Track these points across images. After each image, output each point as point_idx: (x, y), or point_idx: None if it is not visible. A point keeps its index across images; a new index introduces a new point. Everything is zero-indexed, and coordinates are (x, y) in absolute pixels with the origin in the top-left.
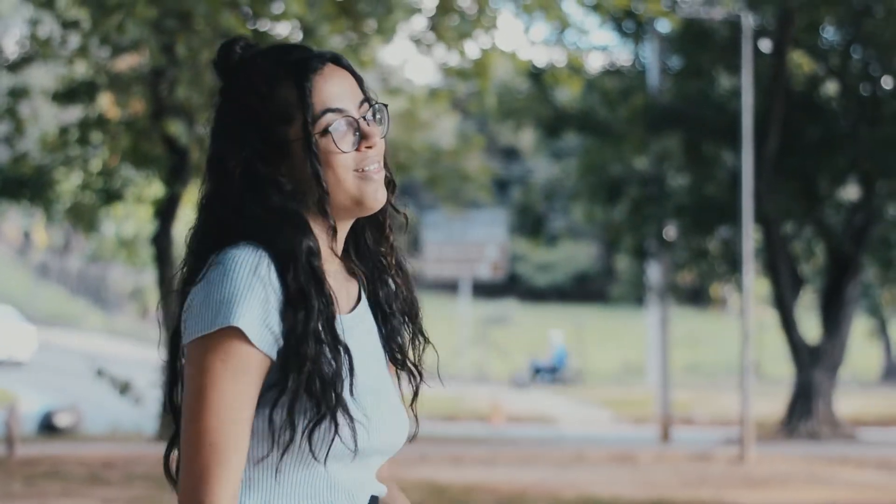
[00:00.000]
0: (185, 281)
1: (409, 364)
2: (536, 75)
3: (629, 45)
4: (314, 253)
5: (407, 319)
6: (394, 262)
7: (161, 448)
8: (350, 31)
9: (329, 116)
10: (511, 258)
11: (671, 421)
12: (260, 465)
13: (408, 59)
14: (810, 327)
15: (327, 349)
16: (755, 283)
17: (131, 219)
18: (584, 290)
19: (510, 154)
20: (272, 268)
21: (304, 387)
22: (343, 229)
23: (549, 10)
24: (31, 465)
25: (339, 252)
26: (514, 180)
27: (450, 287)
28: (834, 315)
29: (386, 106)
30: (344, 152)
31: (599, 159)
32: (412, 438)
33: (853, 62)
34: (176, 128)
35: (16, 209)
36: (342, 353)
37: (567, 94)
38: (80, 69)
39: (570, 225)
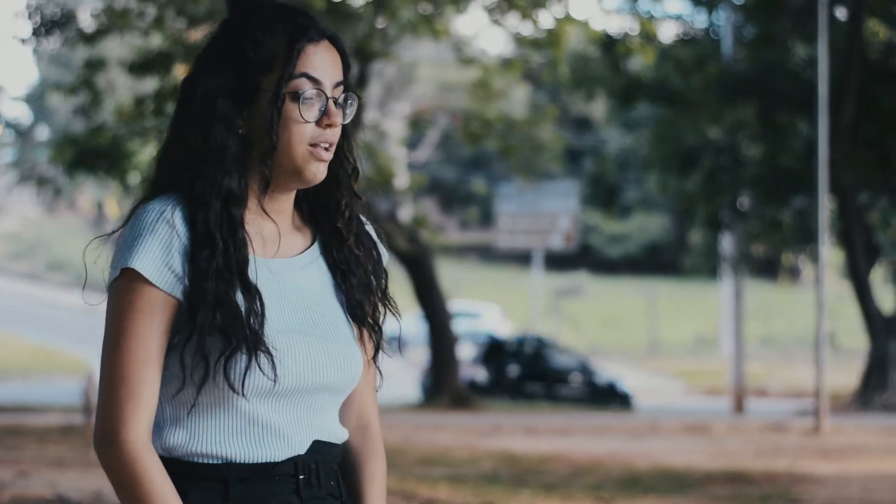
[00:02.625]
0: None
1: (369, 322)
2: (609, 45)
3: (703, 14)
4: (234, 195)
5: (369, 288)
6: (353, 237)
7: None
8: (424, 1)
9: (303, 81)
10: (583, 229)
11: (745, 392)
12: (181, 403)
13: (480, 29)
14: (885, 298)
15: (236, 288)
16: (830, 253)
17: None
18: (656, 261)
19: (582, 124)
20: (178, 212)
21: (211, 321)
22: (284, 191)
23: None
24: None
25: (287, 208)
26: (585, 151)
27: (522, 258)
28: None
29: (359, 99)
30: (305, 122)
31: (673, 129)
32: (378, 389)
33: None
34: None
35: (91, 181)
36: (252, 293)
37: (640, 63)
38: (156, 41)
39: (642, 196)
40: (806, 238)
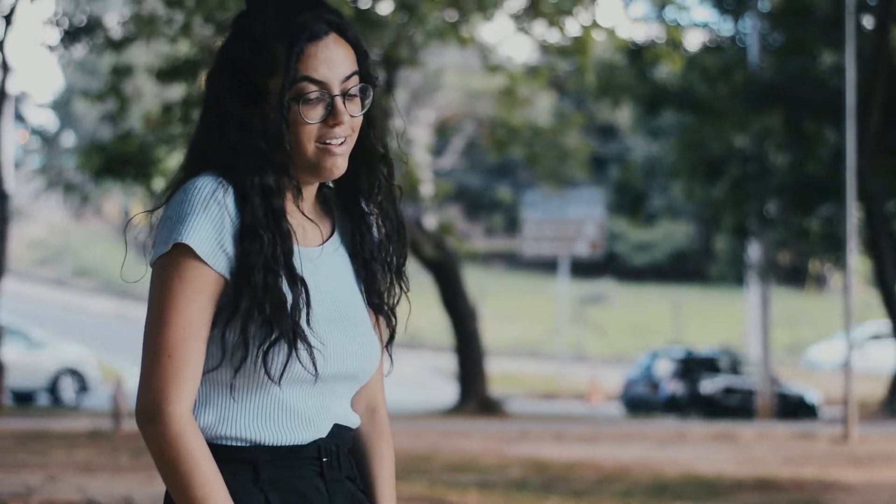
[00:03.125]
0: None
1: (386, 309)
2: (636, 52)
3: (729, 22)
4: (272, 191)
5: (390, 269)
6: (383, 222)
7: None
8: (450, 8)
9: (305, 85)
10: (608, 237)
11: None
12: (215, 383)
13: (505, 37)
14: None
15: (282, 280)
16: (857, 262)
17: None
18: (682, 269)
19: (607, 132)
20: (230, 195)
21: (258, 310)
22: (308, 185)
23: None
24: (137, 440)
25: (312, 199)
26: (611, 158)
27: (548, 265)
28: None
29: (375, 87)
30: (309, 123)
31: (699, 137)
32: (387, 375)
33: None
34: None
35: (117, 187)
36: (298, 284)
37: (666, 71)
38: (183, 48)
39: (668, 203)
40: (833, 246)
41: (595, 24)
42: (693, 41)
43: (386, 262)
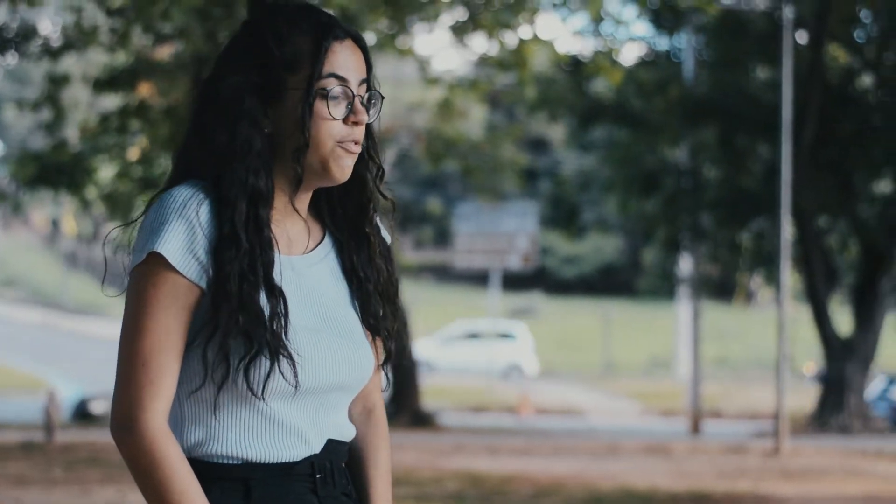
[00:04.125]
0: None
1: (383, 332)
2: (574, 66)
3: (665, 37)
4: (261, 195)
5: (385, 296)
6: (376, 241)
7: None
8: (390, 19)
9: (332, 81)
10: (539, 250)
11: (701, 414)
12: (199, 401)
13: (441, 49)
14: (842, 321)
15: (260, 290)
16: (788, 276)
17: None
18: (610, 282)
19: (538, 146)
20: (205, 205)
21: (235, 323)
22: (308, 188)
23: (590, 1)
24: (70, 452)
25: (306, 205)
26: (542, 172)
27: (478, 279)
28: (867, 309)
29: (382, 98)
30: (334, 119)
31: (634, 151)
32: (384, 390)
33: (889, 55)
34: None
35: (45, 197)
36: (276, 295)
37: (602, 85)
38: (120, 57)
39: (598, 217)
40: (763, 260)
41: (535, 38)
42: (629, 56)
43: (381, 288)
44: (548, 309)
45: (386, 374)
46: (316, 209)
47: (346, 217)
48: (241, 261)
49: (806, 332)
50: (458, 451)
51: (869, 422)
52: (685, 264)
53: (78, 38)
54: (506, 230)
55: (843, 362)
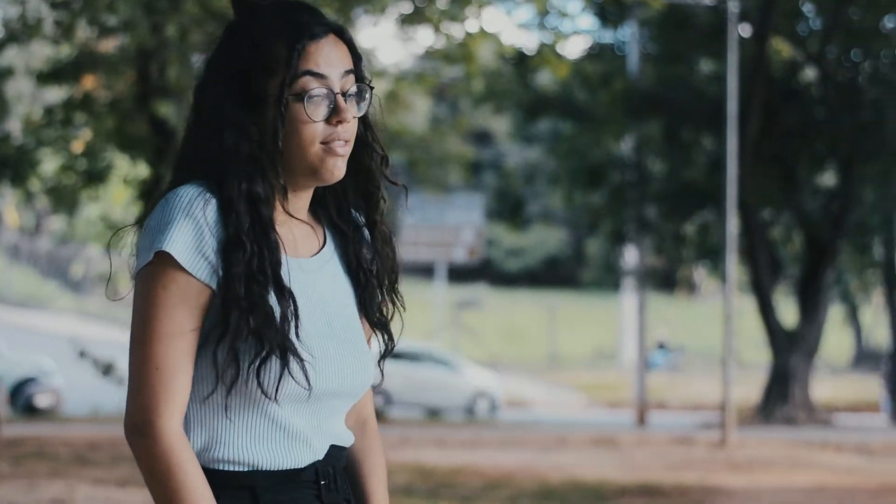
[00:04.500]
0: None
1: (382, 325)
2: (519, 59)
3: (610, 30)
4: (261, 199)
5: (386, 285)
6: (380, 231)
7: None
8: (336, 12)
9: (308, 80)
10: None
11: (647, 405)
12: (209, 404)
13: (384, 42)
14: (787, 313)
15: (270, 291)
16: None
17: (102, 201)
18: (554, 274)
19: (482, 138)
20: (211, 205)
21: (245, 324)
22: (302, 191)
23: None
24: (16, 446)
25: (305, 208)
26: (485, 164)
27: (423, 271)
28: (811, 301)
29: (372, 88)
30: (313, 122)
31: (580, 144)
32: (375, 387)
33: (832, 49)
34: (166, 109)
35: None
36: (286, 297)
37: (547, 78)
38: (65, 49)
39: (542, 209)
40: (707, 252)
41: (482, 31)
42: (574, 49)
43: (382, 278)
44: (492, 301)
45: (381, 370)
46: (316, 210)
47: (354, 208)
48: (249, 263)
49: (750, 324)
50: (405, 444)
51: (813, 413)
52: (630, 256)
53: (22, 31)
54: (451, 223)
55: (788, 354)
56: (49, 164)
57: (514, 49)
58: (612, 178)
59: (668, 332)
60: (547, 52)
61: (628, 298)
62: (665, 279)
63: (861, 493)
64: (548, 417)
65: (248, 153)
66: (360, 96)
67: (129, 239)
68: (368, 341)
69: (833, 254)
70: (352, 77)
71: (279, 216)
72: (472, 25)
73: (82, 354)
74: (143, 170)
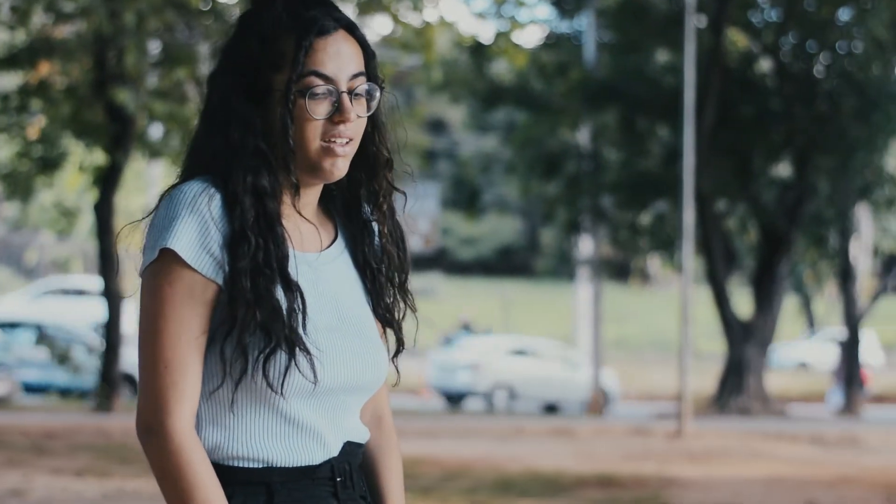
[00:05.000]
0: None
1: (393, 323)
2: (476, 48)
3: (566, 20)
4: (267, 192)
5: (396, 283)
6: (387, 230)
7: (99, 418)
8: None
9: (312, 79)
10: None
11: (603, 395)
12: (218, 401)
13: None
14: (742, 303)
15: (277, 285)
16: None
17: (56, 187)
18: (508, 263)
19: (437, 127)
20: (215, 200)
21: (252, 318)
22: (309, 188)
23: None
24: None
25: (313, 204)
26: (440, 154)
27: None
28: (766, 292)
29: (382, 88)
30: (315, 119)
31: (536, 133)
32: (393, 385)
33: (787, 40)
34: (123, 96)
35: None
36: (293, 290)
37: (503, 67)
38: (21, 35)
39: (497, 198)
40: (662, 243)
41: (442, 21)
42: (531, 38)
43: (393, 277)
44: (447, 290)
45: (396, 367)
46: (327, 206)
47: (358, 207)
48: (255, 256)
49: (705, 314)
50: None
51: (768, 403)
52: (585, 246)
53: None
54: (406, 212)
55: (743, 344)
56: (3, 150)
57: (471, 38)
58: (568, 167)
59: (474, 314)
60: (504, 42)
61: (583, 288)
62: (620, 269)
63: (817, 484)
64: (504, 407)
65: (254, 147)
66: (369, 95)
67: (136, 236)
68: (384, 338)
69: (788, 245)
70: (362, 78)
71: (286, 210)
72: (430, 14)
73: (40, 341)
74: (99, 156)
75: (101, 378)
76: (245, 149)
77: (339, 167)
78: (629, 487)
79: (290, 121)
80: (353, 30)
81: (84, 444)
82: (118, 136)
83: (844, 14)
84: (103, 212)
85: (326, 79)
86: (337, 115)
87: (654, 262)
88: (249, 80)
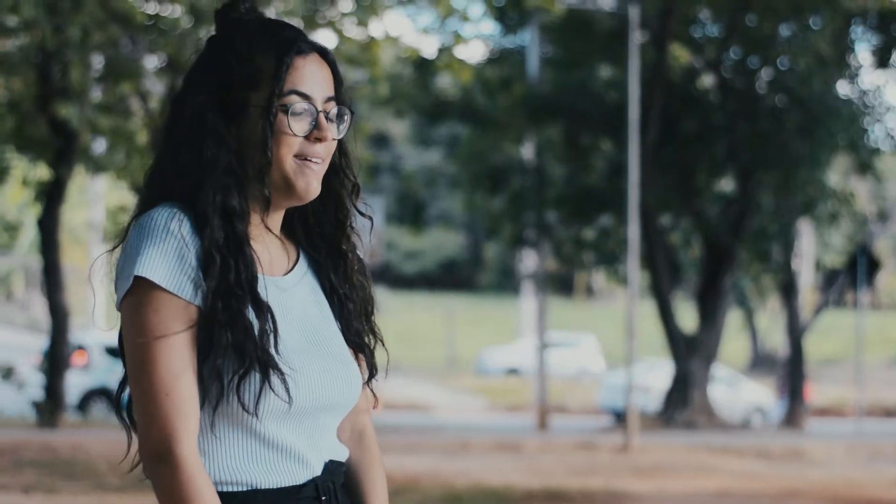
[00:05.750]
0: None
1: (365, 349)
2: (421, 63)
3: (510, 35)
4: (235, 212)
5: (364, 314)
6: (354, 259)
7: (45, 435)
8: None
9: (294, 98)
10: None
11: (548, 409)
12: (200, 426)
13: None
14: (686, 318)
15: (247, 306)
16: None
17: None
18: (452, 277)
19: (380, 141)
20: (186, 223)
21: (225, 340)
22: (278, 208)
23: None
24: None
25: (278, 226)
26: (384, 168)
27: None
28: (710, 306)
29: (353, 113)
30: (294, 135)
31: (479, 148)
32: (374, 407)
33: (729, 56)
34: (67, 110)
35: None
36: (264, 311)
37: (447, 82)
38: None
39: (442, 212)
40: (606, 257)
41: (387, 36)
42: (475, 53)
43: (361, 306)
44: (390, 304)
45: (372, 391)
46: (289, 229)
47: (322, 235)
48: (226, 277)
49: (649, 328)
50: None
51: (713, 417)
52: (529, 260)
53: None
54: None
55: (688, 359)
56: None
57: (416, 53)
58: (513, 182)
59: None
60: (448, 57)
61: (527, 302)
62: (563, 282)
63: (764, 498)
64: (449, 422)
65: (227, 164)
66: (340, 119)
67: (104, 266)
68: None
69: (731, 259)
70: (333, 101)
71: (254, 231)
72: (375, 29)
73: None
74: (42, 171)
75: (46, 394)
76: (218, 165)
77: (313, 187)
78: (578, 502)
79: (270, 134)
80: (325, 54)
81: (29, 461)
82: (62, 151)
83: (786, 29)
84: (47, 226)
85: (306, 97)
86: (316, 131)
87: (598, 277)
88: (223, 97)
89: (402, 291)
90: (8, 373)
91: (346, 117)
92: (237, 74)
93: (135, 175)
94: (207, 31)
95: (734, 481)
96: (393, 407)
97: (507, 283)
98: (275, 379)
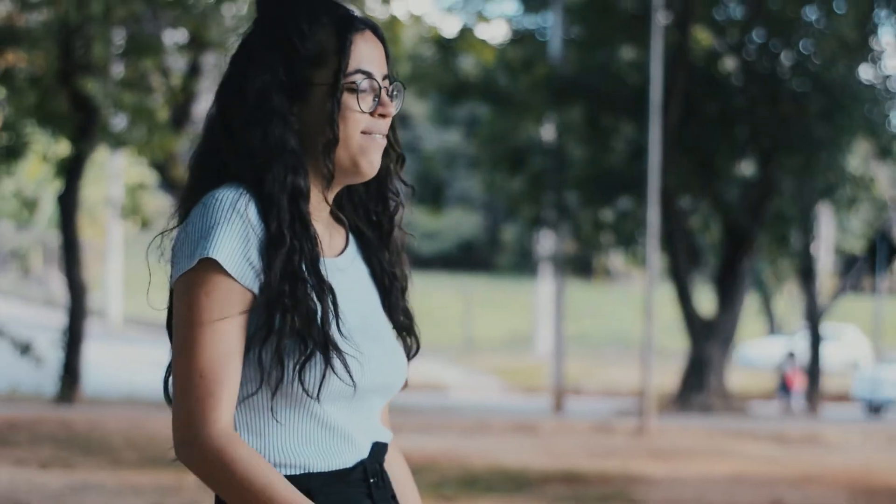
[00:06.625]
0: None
1: (408, 329)
2: (443, 43)
3: (532, 16)
4: (302, 193)
5: (405, 290)
6: (396, 237)
7: (62, 411)
8: None
9: (359, 76)
10: None
11: (564, 391)
12: (255, 408)
13: None
14: (704, 301)
15: (311, 288)
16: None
17: (16, 176)
18: (469, 258)
19: (400, 121)
20: (252, 205)
21: (289, 324)
22: (337, 186)
23: None
24: None
25: (330, 201)
26: (403, 148)
27: None
28: (728, 290)
29: (404, 87)
30: (363, 111)
31: (501, 128)
32: (404, 388)
33: (752, 39)
34: (91, 86)
35: None
36: (326, 293)
37: (469, 62)
38: None
39: (458, 193)
40: (626, 239)
41: (410, 15)
42: (497, 33)
43: (405, 286)
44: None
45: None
46: (337, 211)
47: (369, 212)
48: (291, 259)
49: (667, 311)
50: None
51: (728, 401)
52: (547, 242)
53: None
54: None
55: (705, 342)
56: None
57: (438, 33)
58: (533, 163)
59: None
60: (472, 37)
61: (544, 284)
62: (582, 265)
63: (781, 482)
64: (466, 402)
65: (293, 146)
66: (394, 95)
67: (163, 244)
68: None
69: (751, 243)
70: (388, 79)
71: (313, 211)
72: (398, 8)
73: (0, 333)
74: (63, 146)
75: (64, 370)
76: (285, 146)
77: (377, 162)
78: (595, 484)
79: (337, 111)
80: (377, 31)
81: (47, 435)
82: (83, 127)
83: (810, 13)
84: (67, 202)
85: (368, 74)
86: (380, 107)
87: (617, 259)
88: (285, 76)
89: (419, 272)
90: (26, 348)
91: (399, 93)
92: (300, 53)
93: (155, 151)
94: (230, 8)
95: (750, 465)
96: (410, 387)
97: (524, 264)
98: (337, 363)
